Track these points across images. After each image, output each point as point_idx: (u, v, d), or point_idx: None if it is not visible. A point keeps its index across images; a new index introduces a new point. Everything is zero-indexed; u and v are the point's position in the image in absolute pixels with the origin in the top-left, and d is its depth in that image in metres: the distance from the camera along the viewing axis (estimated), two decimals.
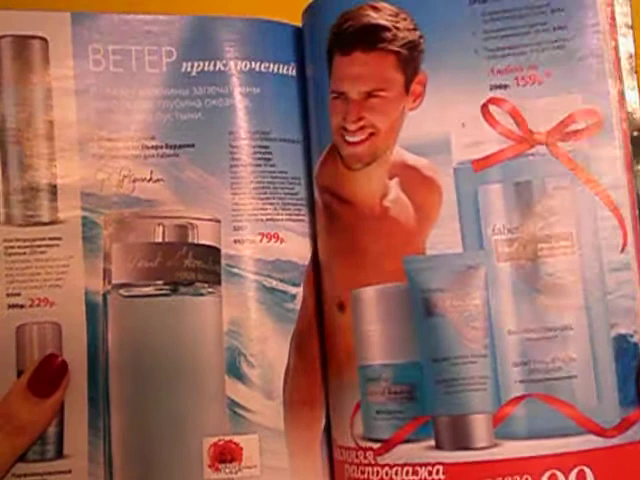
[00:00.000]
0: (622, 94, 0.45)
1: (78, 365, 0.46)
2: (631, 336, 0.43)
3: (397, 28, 0.46)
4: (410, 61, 0.46)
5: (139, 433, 0.46)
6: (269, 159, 0.49)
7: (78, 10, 0.48)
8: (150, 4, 0.54)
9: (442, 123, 0.45)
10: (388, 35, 0.46)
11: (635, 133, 0.44)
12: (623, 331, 0.43)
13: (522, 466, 0.42)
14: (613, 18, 0.45)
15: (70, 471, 0.45)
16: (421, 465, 0.43)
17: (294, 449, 0.47)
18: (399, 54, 0.46)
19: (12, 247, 0.46)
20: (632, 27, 0.45)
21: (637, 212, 0.44)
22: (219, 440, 0.46)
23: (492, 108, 0.45)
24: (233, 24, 0.49)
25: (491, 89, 0.45)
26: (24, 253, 0.46)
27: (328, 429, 0.48)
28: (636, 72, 0.45)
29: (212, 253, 0.47)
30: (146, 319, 0.46)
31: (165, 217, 0.47)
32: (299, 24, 0.50)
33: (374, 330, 0.45)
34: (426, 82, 0.46)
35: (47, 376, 0.44)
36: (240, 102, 0.49)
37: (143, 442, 0.46)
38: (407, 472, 0.43)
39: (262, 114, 0.49)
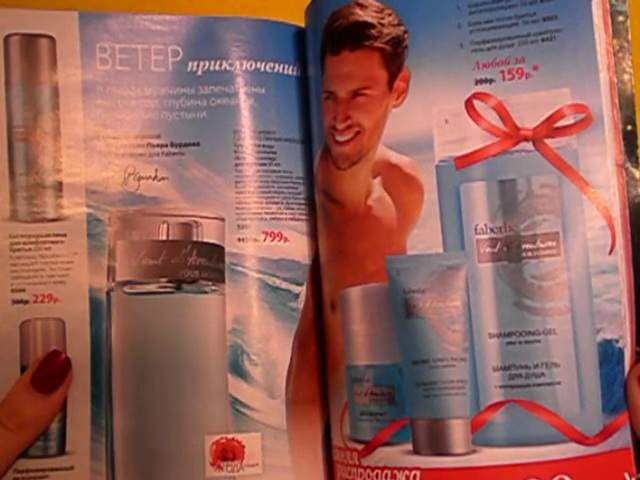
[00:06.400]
0: (615, 87, 0.44)
1: (81, 362, 0.48)
2: (616, 341, 0.43)
3: (382, 24, 0.47)
4: (394, 57, 0.47)
5: (141, 430, 0.48)
6: (273, 158, 0.51)
7: (86, 9, 0.50)
8: (156, 4, 0.56)
9: (425, 120, 0.46)
10: (373, 32, 0.47)
11: (629, 127, 0.44)
12: (608, 336, 0.43)
13: (501, 474, 0.42)
14: (606, 8, 0.45)
15: (72, 467, 0.47)
16: (399, 469, 0.44)
17: (296, 447, 0.49)
18: (383, 51, 0.47)
19: (17, 243, 0.48)
20: (627, 15, 0.45)
21: (628, 212, 0.44)
22: (221, 438, 0.48)
23: (476, 103, 0.45)
24: (239, 24, 0.52)
25: (476, 84, 0.45)
26: (29, 249, 0.48)
27: (329, 428, 0.50)
28: (631, 63, 0.45)
29: (216, 251, 0.49)
30: (149, 316, 0.48)
31: (169, 215, 0.49)
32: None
33: (359, 330, 0.47)
34: (409, 78, 0.46)
35: (50, 372, 0.46)
36: (245, 102, 0.51)
37: (145, 439, 0.48)
38: (386, 475, 0.45)
39: (267, 114, 0.51)
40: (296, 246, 0.51)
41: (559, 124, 0.44)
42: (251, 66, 0.51)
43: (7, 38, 0.49)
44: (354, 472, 0.46)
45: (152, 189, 0.50)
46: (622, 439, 0.43)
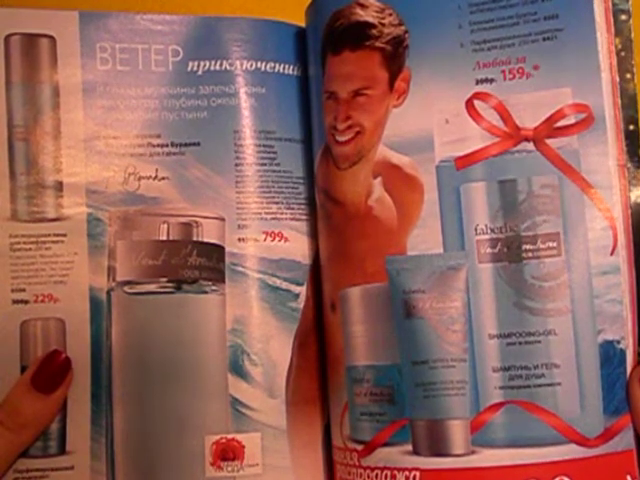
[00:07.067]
0: (617, 87, 0.44)
1: (81, 361, 0.48)
2: (618, 342, 0.43)
3: (382, 24, 0.47)
4: (395, 57, 0.46)
5: (141, 430, 0.48)
6: (274, 158, 0.51)
7: (86, 9, 0.50)
8: (156, 4, 0.56)
9: (425, 120, 0.46)
10: (374, 32, 0.47)
11: (631, 127, 0.44)
12: (610, 337, 0.43)
13: (500, 475, 0.42)
14: (608, 6, 0.44)
15: (73, 467, 0.47)
16: (399, 469, 0.44)
17: (296, 448, 0.49)
18: (384, 51, 0.47)
19: (17, 243, 0.48)
20: (630, 14, 0.45)
21: (629, 213, 0.43)
22: (221, 438, 0.48)
23: (477, 103, 0.45)
24: (239, 24, 0.51)
25: (477, 83, 0.45)
26: (29, 249, 0.48)
27: (329, 428, 0.50)
28: (634, 63, 0.44)
29: (216, 251, 0.49)
30: (150, 316, 0.48)
31: (170, 215, 0.49)
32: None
33: (358, 331, 0.47)
34: (410, 79, 0.46)
35: (50, 372, 0.46)
36: (245, 101, 0.51)
37: (145, 439, 0.48)
38: (386, 476, 0.44)
39: (267, 113, 0.51)
40: (296, 246, 0.51)
41: (560, 124, 0.44)
42: (251, 66, 0.51)
43: (7, 38, 0.49)
44: (354, 472, 0.46)
45: (152, 189, 0.50)
46: (624, 441, 0.42)
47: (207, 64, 0.51)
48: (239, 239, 0.50)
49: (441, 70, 0.46)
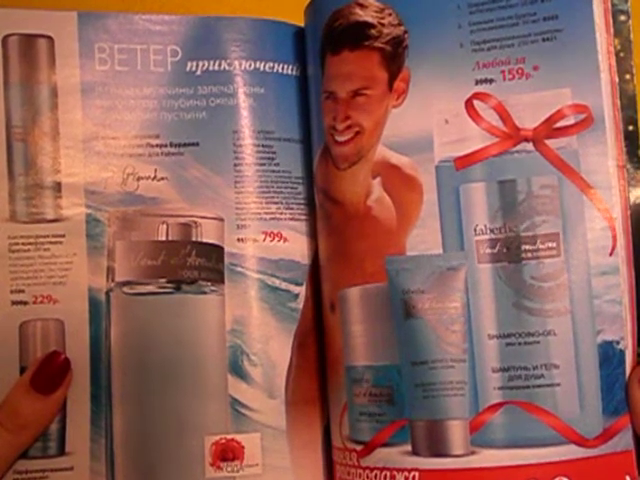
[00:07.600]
0: (616, 87, 0.44)
1: (81, 362, 0.47)
2: (617, 343, 0.43)
3: (382, 24, 0.47)
4: (394, 58, 0.46)
5: (141, 430, 0.48)
6: (273, 158, 0.51)
7: (84, 9, 0.50)
8: (155, 4, 0.56)
9: (425, 120, 0.46)
10: (373, 32, 0.47)
11: (630, 128, 0.44)
12: (609, 337, 0.43)
13: (500, 475, 0.42)
14: (608, 7, 0.44)
15: (72, 468, 0.47)
16: (398, 470, 0.44)
17: (296, 448, 0.49)
18: (383, 51, 0.47)
19: (16, 244, 0.48)
20: (629, 15, 0.45)
21: (629, 213, 0.43)
22: (221, 438, 0.48)
23: (476, 103, 0.45)
24: (238, 24, 0.51)
25: (476, 84, 0.45)
26: (28, 250, 0.48)
27: (329, 429, 0.50)
28: (633, 63, 0.44)
29: (215, 251, 0.49)
30: (149, 317, 0.48)
31: (169, 215, 0.49)
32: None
33: (358, 331, 0.47)
34: (409, 79, 0.46)
35: (50, 373, 0.46)
36: (244, 101, 0.51)
37: (145, 440, 0.48)
38: (385, 476, 0.44)
39: (266, 114, 0.51)
40: (295, 246, 0.51)
41: (559, 124, 0.44)
42: (250, 66, 0.51)
43: (6, 38, 0.49)
44: (353, 472, 0.46)
45: (151, 189, 0.50)
46: (623, 441, 0.42)
47: (206, 64, 0.51)
48: (238, 239, 0.50)
49: (440, 70, 0.46)
